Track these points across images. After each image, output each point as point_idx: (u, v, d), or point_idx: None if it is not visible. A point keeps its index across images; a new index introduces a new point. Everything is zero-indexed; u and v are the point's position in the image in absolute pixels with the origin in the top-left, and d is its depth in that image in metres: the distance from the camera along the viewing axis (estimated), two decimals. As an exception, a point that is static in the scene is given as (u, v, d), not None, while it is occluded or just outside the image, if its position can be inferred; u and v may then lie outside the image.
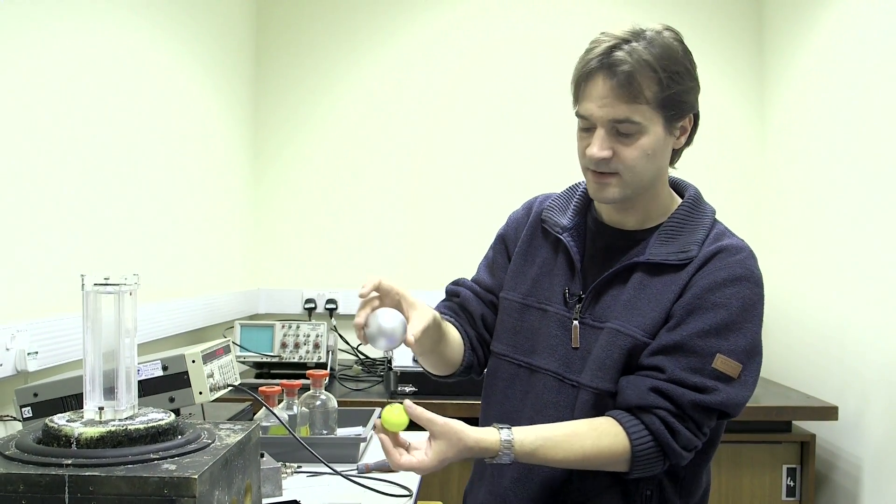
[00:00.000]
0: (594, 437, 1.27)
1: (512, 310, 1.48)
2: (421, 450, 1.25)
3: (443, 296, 1.61)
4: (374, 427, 1.28)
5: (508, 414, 1.45)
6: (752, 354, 1.31)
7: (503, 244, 1.57)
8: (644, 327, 1.32)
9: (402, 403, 1.25)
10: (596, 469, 1.31)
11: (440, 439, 1.24)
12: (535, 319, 1.44)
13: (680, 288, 1.32)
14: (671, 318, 1.32)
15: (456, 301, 1.57)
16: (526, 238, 1.52)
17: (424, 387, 2.46)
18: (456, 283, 1.60)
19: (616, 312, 1.35)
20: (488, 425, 1.45)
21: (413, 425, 1.25)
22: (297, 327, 2.74)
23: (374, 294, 1.30)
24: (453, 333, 1.48)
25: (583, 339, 1.38)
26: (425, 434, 1.26)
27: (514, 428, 1.27)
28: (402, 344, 1.27)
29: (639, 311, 1.33)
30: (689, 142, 1.39)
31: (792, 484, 2.43)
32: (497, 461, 1.26)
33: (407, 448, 1.26)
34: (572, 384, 1.37)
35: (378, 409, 1.84)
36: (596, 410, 1.34)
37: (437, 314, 1.38)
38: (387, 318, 1.27)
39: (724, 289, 1.30)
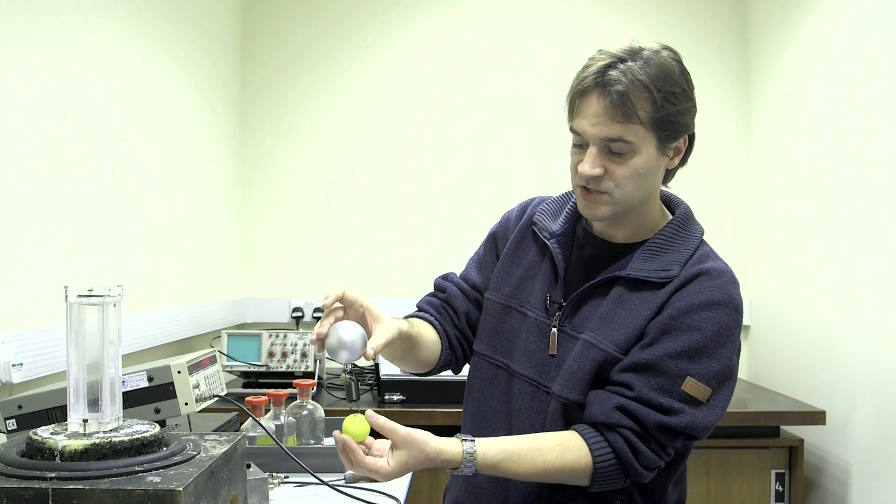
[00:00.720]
0: (558, 452, 1.28)
1: (494, 310, 1.49)
2: (383, 457, 1.26)
3: None
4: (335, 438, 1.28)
5: (485, 414, 1.46)
6: (722, 380, 1.31)
7: (494, 243, 1.58)
8: (617, 342, 1.32)
9: (363, 413, 1.26)
10: (557, 482, 1.32)
11: (402, 449, 1.25)
12: (515, 322, 1.45)
13: (657, 306, 1.32)
14: (645, 336, 1.32)
15: (441, 297, 1.57)
16: (515, 239, 1.52)
17: (413, 395, 2.45)
18: (444, 277, 1.60)
19: (592, 324, 1.36)
20: (467, 423, 1.46)
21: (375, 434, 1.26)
22: (285, 336, 2.74)
23: (338, 305, 1.31)
24: (428, 335, 1.49)
25: (560, 347, 1.38)
26: (388, 441, 1.27)
27: (477, 440, 1.28)
28: (362, 357, 1.27)
29: (614, 325, 1.34)
30: (683, 162, 1.40)
31: (781, 489, 2.44)
32: (459, 472, 1.27)
33: (368, 452, 1.27)
34: (545, 391, 1.38)
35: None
36: (565, 420, 1.35)
37: (405, 326, 1.39)
38: (347, 331, 1.27)
39: (701, 312, 1.30)
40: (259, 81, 3.26)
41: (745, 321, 3.12)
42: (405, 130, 3.25)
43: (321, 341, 1.28)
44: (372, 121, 3.25)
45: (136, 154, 2.25)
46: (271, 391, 1.81)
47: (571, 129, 1.35)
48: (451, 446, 1.26)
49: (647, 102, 1.27)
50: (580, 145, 1.34)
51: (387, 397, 2.46)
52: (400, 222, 3.25)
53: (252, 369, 2.70)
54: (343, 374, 2.94)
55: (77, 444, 1.00)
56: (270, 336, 2.73)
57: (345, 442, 1.24)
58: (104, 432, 1.05)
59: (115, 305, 1.11)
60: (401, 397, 2.46)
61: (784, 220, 2.89)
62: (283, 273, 3.27)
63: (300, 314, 3.18)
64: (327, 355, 1.29)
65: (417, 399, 2.45)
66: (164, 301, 2.47)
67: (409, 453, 1.24)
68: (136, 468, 0.98)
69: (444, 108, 3.24)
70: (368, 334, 1.30)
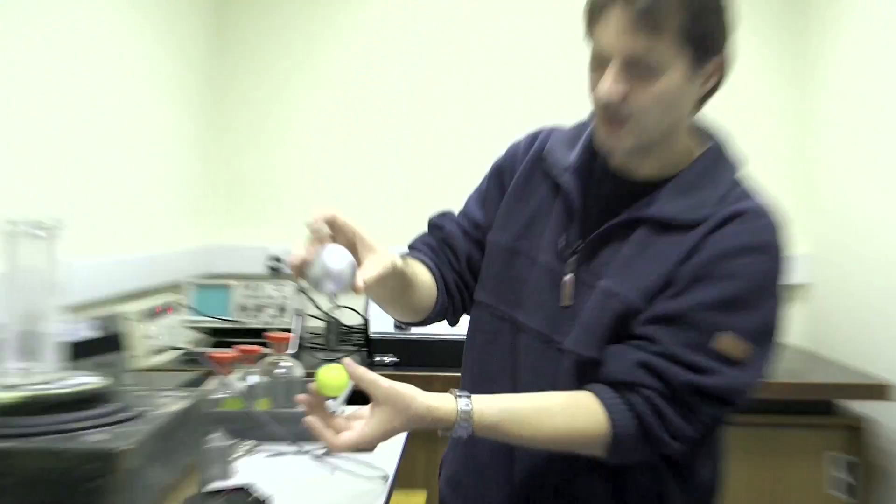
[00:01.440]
0: (569, 414, 1.28)
1: (498, 254, 1.49)
2: (362, 419, 1.25)
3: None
4: (308, 397, 1.26)
5: (486, 373, 1.47)
6: (765, 336, 1.31)
7: (499, 177, 1.57)
8: (641, 290, 1.32)
9: (340, 363, 1.24)
10: (567, 451, 1.32)
11: (384, 405, 1.23)
12: (523, 268, 1.45)
13: (687, 250, 1.31)
14: (673, 284, 1.31)
15: (438, 236, 1.57)
16: (524, 174, 1.51)
17: (407, 357, 2.46)
18: (441, 214, 1.59)
19: (611, 271, 1.35)
20: (466, 385, 1.46)
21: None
22: (259, 288, 2.74)
23: (326, 230, 1.27)
24: (424, 277, 1.49)
25: (574, 297, 1.38)
26: (367, 407, 1.26)
27: (474, 396, 1.27)
28: (351, 290, 1.25)
29: (637, 271, 1.33)
30: (714, 89, 1.37)
31: (843, 475, 2.44)
32: (453, 434, 1.26)
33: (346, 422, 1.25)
34: (557, 347, 1.38)
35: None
36: (579, 380, 1.34)
37: (400, 261, 1.36)
38: (334, 258, 1.24)
39: (739, 258, 1.29)
40: (236, 9, 3.26)
41: (805, 279, 3.12)
42: (403, 65, 3.25)
43: (301, 268, 1.25)
44: (358, 56, 3.25)
45: (85, 78, 2.24)
46: (241, 346, 1.82)
47: (590, 45, 1.33)
48: (444, 403, 1.25)
49: (679, 13, 1.25)
50: (600, 65, 1.33)
51: (377, 359, 2.47)
52: (399, 158, 3.24)
53: (220, 325, 2.71)
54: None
55: (9, 396, 1.01)
56: (243, 287, 2.74)
57: (311, 424, 1.23)
58: (41, 384, 1.06)
59: (52, 239, 1.12)
60: (394, 359, 2.47)
61: (846, 167, 2.87)
62: (259, 217, 3.27)
63: (278, 264, 3.19)
64: (309, 285, 1.26)
65: (413, 361, 2.46)
66: (120, 246, 2.48)
67: (393, 410, 1.23)
68: (76, 425, 0.99)
69: (449, 55, 3.26)
70: (359, 265, 1.27)
